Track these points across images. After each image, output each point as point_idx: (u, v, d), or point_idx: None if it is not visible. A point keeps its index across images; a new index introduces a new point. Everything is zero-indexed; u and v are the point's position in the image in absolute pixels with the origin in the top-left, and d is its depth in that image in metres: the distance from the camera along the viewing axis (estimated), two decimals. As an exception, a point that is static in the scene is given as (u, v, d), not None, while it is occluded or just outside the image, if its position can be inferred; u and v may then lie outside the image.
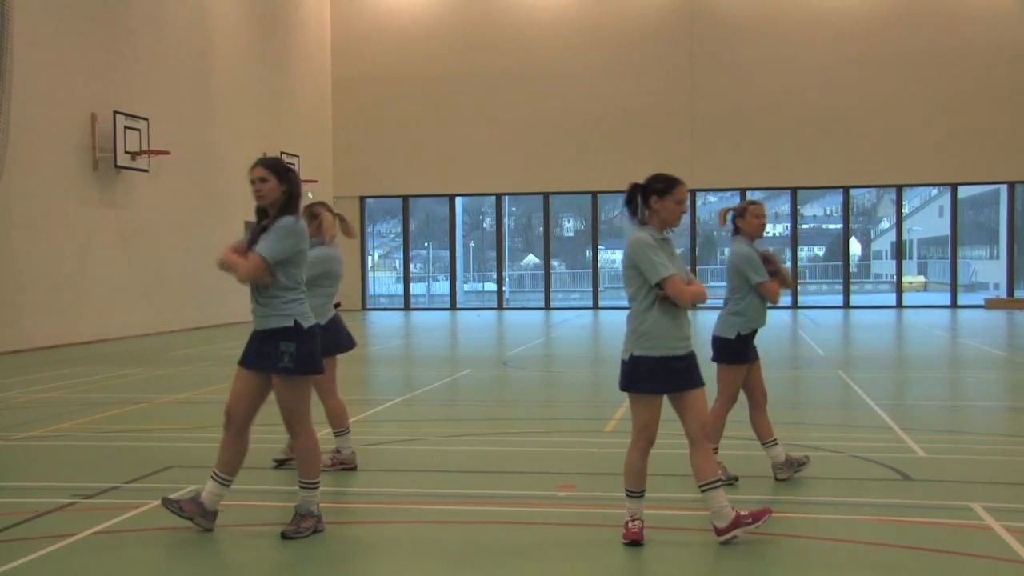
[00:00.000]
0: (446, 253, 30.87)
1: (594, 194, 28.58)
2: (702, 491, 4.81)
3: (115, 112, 18.03)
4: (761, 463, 6.29)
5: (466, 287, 36.10)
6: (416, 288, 33.64)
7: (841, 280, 29.67)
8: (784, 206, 34.03)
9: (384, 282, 37.69)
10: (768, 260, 6.04)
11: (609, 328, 20.92)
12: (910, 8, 26.88)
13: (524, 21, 28.09)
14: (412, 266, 32.00)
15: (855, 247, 43.28)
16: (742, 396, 6.33)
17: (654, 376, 4.74)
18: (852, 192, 30.06)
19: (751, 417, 6.16)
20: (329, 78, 28.68)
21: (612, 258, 36.39)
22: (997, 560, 4.54)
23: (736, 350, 5.97)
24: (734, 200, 22.60)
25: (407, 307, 30.01)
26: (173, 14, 20.95)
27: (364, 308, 29.60)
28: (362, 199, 29.05)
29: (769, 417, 6.18)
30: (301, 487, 5.04)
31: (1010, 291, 28.12)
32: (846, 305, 28.43)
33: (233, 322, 21.94)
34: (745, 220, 6.06)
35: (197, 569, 4.62)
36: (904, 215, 31.54)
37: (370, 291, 31.92)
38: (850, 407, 9.52)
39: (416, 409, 9.66)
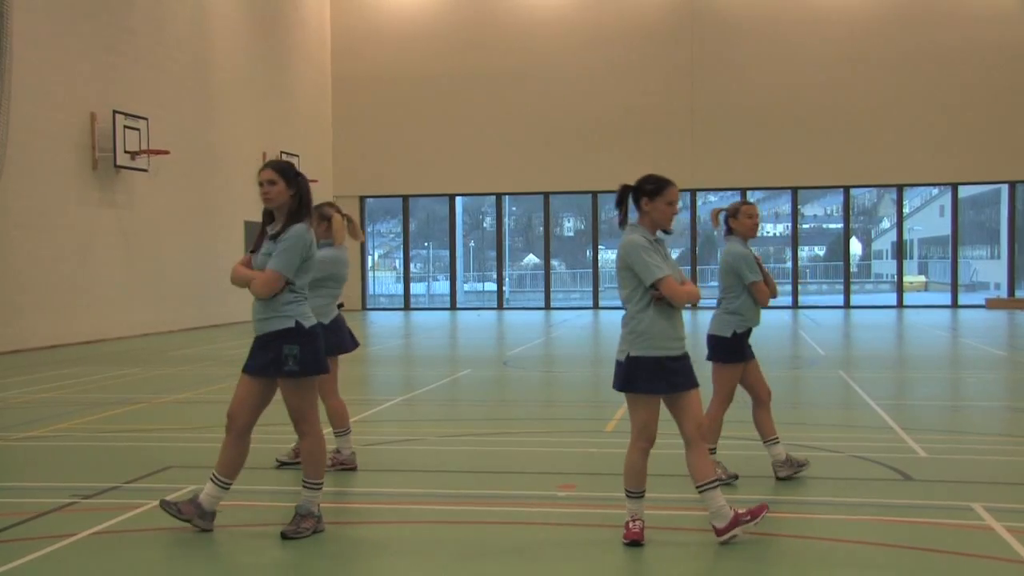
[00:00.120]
0: (446, 253, 30.87)
1: (594, 194, 28.58)
2: (699, 492, 4.80)
3: (115, 112, 18.02)
4: (761, 463, 6.28)
5: (466, 287, 36.10)
6: (416, 288, 33.64)
7: (842, 280, 29.67)
8: (784, 206, 34.04)
9: (384, 282, 37.70)
10: (757, 264, 6.07)
11: (609, 328, 20.91)
12: (911, 7, 26.87)
13: (524, 21, 28.09)
14: (412, 266, 32.00)
15: (856, 247, 43.29)
16: (740, 395, 6.33)
17: (651, 376, 4.74)
18: (853, 192, 30.07)
19: (754, 415, 6.16)
20: (329, 77, 28.67)
21: (612, 258, 36.31)
22: (998, 560, 4.53)
23: (732, 348, 5.97)
24: (735, 200, 22.79)
25: (407, 307, 30.01)
26: (173, 14, 20.94)
27: (364, 308, 29.60)
28: (362, 199, 29.05)
29: (772, 416, 6.18)
30: (304, 487, 5.04)
31: (1011, 291, 28.11)
32: (847, 305, 28.43)
33: (233, 322, 21.95)
34: (738, 221, 6.07)
35: (196, 569, 4.61)
36: (905, 215, 31.55)
37: (370, 291, 31.93)
38: (851, 407, 9.51)
39: (416, 409, 9.65)
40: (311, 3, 27.70)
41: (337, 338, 6.47)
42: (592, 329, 21.28)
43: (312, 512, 5.01)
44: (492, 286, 32.47)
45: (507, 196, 30.39)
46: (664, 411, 4.87)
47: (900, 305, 28.22)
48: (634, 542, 4.73)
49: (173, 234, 20.58)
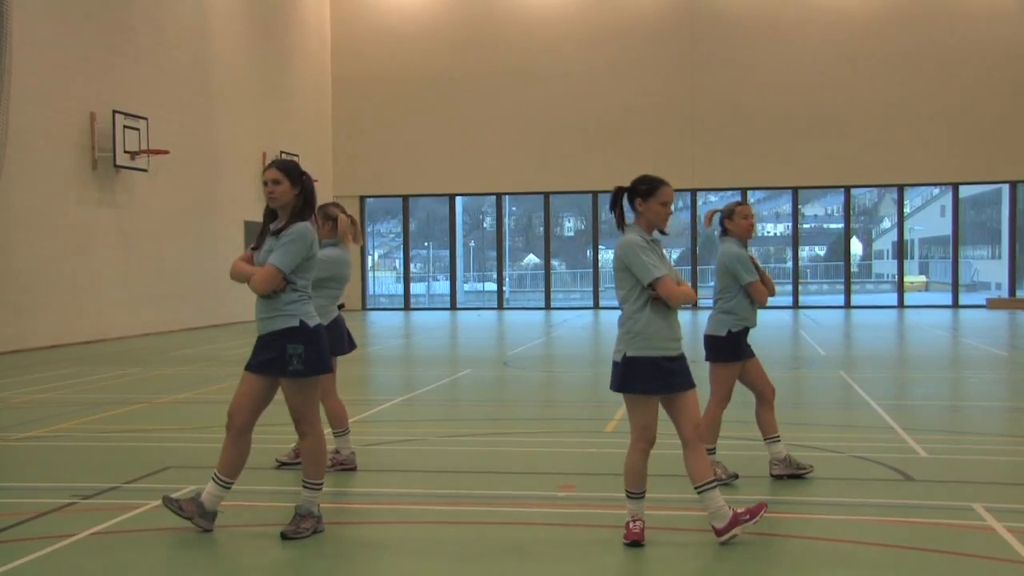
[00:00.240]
0: (446, 253, 30.87)
1: (594, 193, 28.57)
2: (698, 493, 4.80)
3: (114, 111, 18.02)
4: (761, 463, 6.27)
5: (466, 287, 36.10)
6: (416, 288, 33.63)
7: (842, 280, 29.65)
8: (785, 205, 34.04)
9: (384, 282, 37.70)
10: (753, 264, 6.07)
11: (610, 328, 20.90)
12: (911, 7, 26.86)
13: (524, 20, 28.08)
14: (412, 266, 31.99)
15: (856, 247, 43.28)
16: (740, 395, 6.33)
17: (648, 376, 4.74)
18: (853, 192, 30.06)
19: (757, 413, 6.17)
20: (329, 77, 28.67)
21: (612, 258, 36.34)
22: (998, 560, 4.52)
23: (728, 348, 5.98)
24: (735, 200, 22.74)
25: (407, 307, 30.00)
26: (172, 13, 20.94)
27: (364, 308, 29.60)
28: (362, 199, 29.04)
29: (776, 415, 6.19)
30: (305, 487, 5.03)
31: (1012, 291, 28.10)
32: (847, 305, 28.42)
33: (233, 322, 21.95)
34: (733, 222, 6.08)
35: (196, 569, 4.60)
36: (905, 215, 31.54)
37: (370, 291, 31.92)
38: (851, 407, 9.50)
39: (416, 409, 9.64)
40: (311, 3, 27.69)
41: (335, 339, 6.46)
42: (592, 329, 21.27)
43: (312, 512, 5.00)
44: (492, 286, 32.46)
45: (507, 196, 30.39)
46: (663, 411, 4.87)
47: (901, 305, 28.21)
48: (634, 542, 4.72)
49: (173, 234, 20.57)
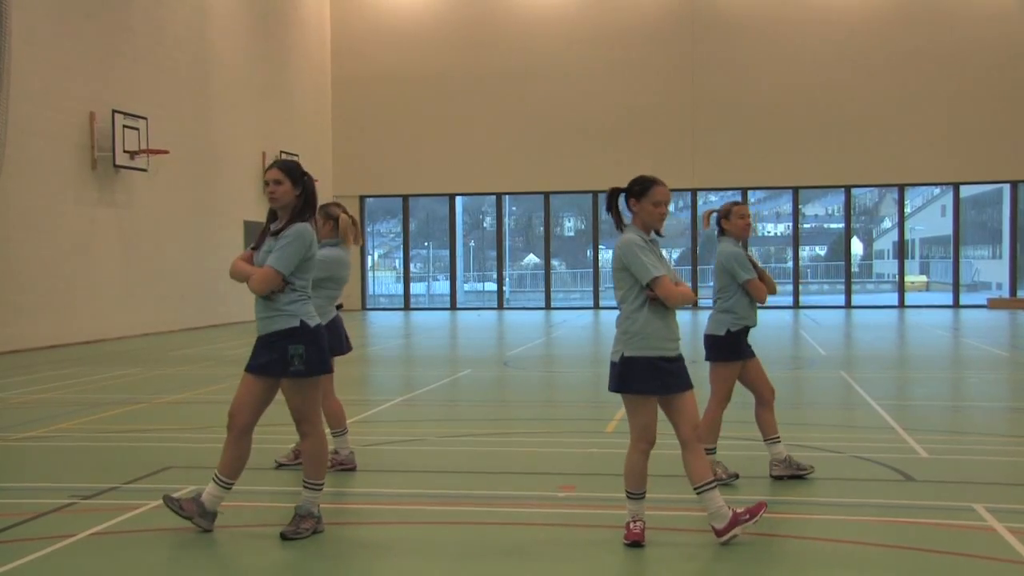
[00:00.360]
0: (446, 253, 30.86)
1: (595, 193, 28.56)
2: (698, 493, 4.80)
3: (114, 111, 18.01)
4: (762, 463, 6.27)
5: (466, 287, 36.09)
6: (416, 288, 33.62)
7: (843, 280, 29.62)
8: (785, 205, 34.03)
9: (384, 282, 37.68)
10: (751, 263, 6.07)
11: (610, 328, 20.81)
12: (912, 7, 26.84)
13: (525, 20, 28.07)
14: (412, 266, 31.98)
15: (857, 247, 43.28)
16: (740, 395, 6.32)
17: (646, 376, 4.73)
18: (854, 191, 30.04)
19: (756, 413, 6.16)
20: (329, 77, 28.66)
21: (612, 257, 36.32)
22: (999, 561, 4.51)
23: (727, 347, 5.97)
24: (735, 200, 22.74)
25: (407, 307, 29.99)
26: (172, 13, 20.93)
27: (364, 308, 29.59)
28: (362, 198, 29.03)
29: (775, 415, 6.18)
30: (305, 487, 5.03)
31: (1012, 291, 28.08)
32: (848, 305, 28.40)
33: (233, 322, 21.94)
34: (730, 222, 6.09)
35: (196, 570, 4.60)
36: (906, 214, 31.54)
37: (370, 291, 31.91)
38: (852, 407, 9.49)
39: (416, 409, 9.64)
40: (311, 2, 27.68)
41: (333, 339, 6.45)
42: (592, 329, 21.26)
43: (312, 513, 5.00)
44: (492, 286, 32.45)
45: (507, 196, 30.37)
46: (661, 412, 4.86)
47: (901, 305, 28.19)
48: (635, 543, 4.72)
49: (173, 234, 20.57)
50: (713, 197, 29.06)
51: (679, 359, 4.84)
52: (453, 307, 29.82)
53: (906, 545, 4.79)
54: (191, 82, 21.55)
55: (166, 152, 19.41)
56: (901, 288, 28.89)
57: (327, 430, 6.49)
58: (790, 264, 30.12)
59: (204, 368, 13.32)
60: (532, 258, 40.75)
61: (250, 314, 5.18)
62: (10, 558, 4.63)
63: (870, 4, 27.02)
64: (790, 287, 28.34)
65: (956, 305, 27.81)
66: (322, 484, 5.05)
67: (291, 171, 5.09)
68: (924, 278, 41.60)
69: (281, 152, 24.20)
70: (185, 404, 9.91)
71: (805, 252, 42.51)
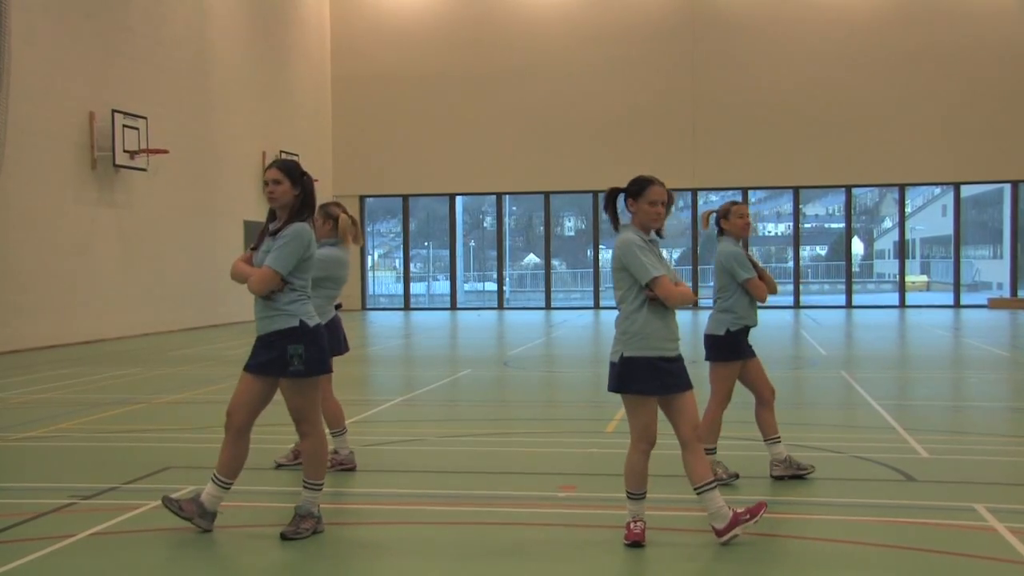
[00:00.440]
0: (446, 252, 30.85)
1: (595, 193, 28.55)
2: (698, 494, 4.79)
3: (113, 111, 18.00)
4: (762, 463, 6.26)
5: (466, 287, 36.08)
6: (416, 288, 33.62)
7: (843, 280, 29.61)
8: (786, 205, 34.02)
9: (384, 282, 37.68)
10: (751, 263, 6.06)
11: (610, 328, 20.79)
12: (913, 6, 26.83)
13: (525, 19, 28.06)
14: (412, 266, 31.97)
15: (857, 246, 43.27)
16: (740, 395, 6.31)
17: (645, 377, 4.72)
18: (855, 191, 30.03)
19: (757, 413, 6.16)
20: (329, 76, 28.65)
21: (611, 257, 36.30)
22: (1000, 561, 4.50)
23: (726, 347, 5.97)
24: (735, 199, 22.78)
25: (407, 307, 29.98)
26: (172, 12, 20.92)
27: (364, 308, 29.58)
28: (362, 198, 29.02)
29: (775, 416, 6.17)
30: (305, 487, 5.02)
31: (1013, 291, 28.06)
32: (848, 305, 28.39)
33: (232, 322, 21.93)
34: (729, 221, 6.10)
35: (196, 570, 4.59)
36: (907, 214, 31.52)
37: (370, 291, 31.90)
38: (852, 407, 9.48)
39: (416, 409, 9.63)
40: (311, 2, 27.67)
41: (333, 339, 6.45)
42: (593, 329, 21.25)
43: (312, 513, 4.99)
44: (492, 286, 32.44)
45: (507, 195, 30.35)
46: (661, 411, 4.85)
47: (902, 305, 28.18)
48: (635, 543, 4.71)
49: (172, 234, 20.56)
50: (714, 197, 29.05)
51: (679, 359, 4.83)
52: (453, 307, 29.81)
53: (906, 545, 4.78)
54: (191, 82, 21.54)
55: (166, 152, 19.40)
56: (902, 288, 28.89)
57: (326, 430, 6.50)
58: (791, 264, 30.11)
59: (204, 368, 13.31)
60: (532, 258, 40.75)
61: (250, 314, 5.17)
62: (10, 558, 4.62)
63: (871, 3, 27.00)
64: (791, 287, 28.33)
65: (957, 305, 27.80)
66: (322, 484, 5.05)
67: (290, 171, 5.09)
68: (925, 278, 41.59)
69: (281, 152, 24.19)
70: (185, 404, 9.90)
71: (806, 252, 42.51)
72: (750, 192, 28.52)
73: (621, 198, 4.92)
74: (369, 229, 34.08)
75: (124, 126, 18.25)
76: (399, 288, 32.18)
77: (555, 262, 37.59)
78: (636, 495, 4.78)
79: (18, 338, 15.95)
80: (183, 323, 20.74)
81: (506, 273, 31.41)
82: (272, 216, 5.13)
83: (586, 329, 21.16)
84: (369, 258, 32.77)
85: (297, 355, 4.91)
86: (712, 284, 6.26)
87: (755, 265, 6.10)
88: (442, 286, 34.78)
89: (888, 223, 45.16)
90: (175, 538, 4.97)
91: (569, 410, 9.69)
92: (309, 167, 5.73)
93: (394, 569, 4.61)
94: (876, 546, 4.81)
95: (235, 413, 5.04)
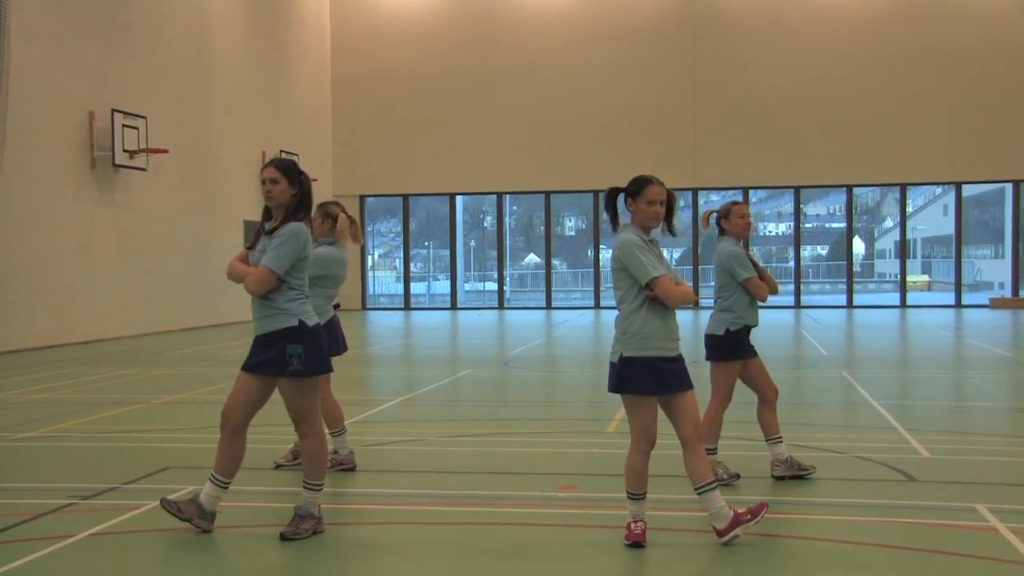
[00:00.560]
0: (446, 252, 30.83)
1: (596, 193, 28.53)
2: (698, 494, 4.78)
3: (113, 110, 17.99)
4: (763, 463, 6.24)
5: (467, 286, 36.06)
6: (416, 288, 33.59)
7: (844, 279, 29.58)
8: (787, 205, 33.99)
9: (384, 281, 37.66)
10: (752, 263, 6.06)
11: (611, 328, 20.81)
12: (915, 6, 26.81)
13: (525, 18, 28.05)
14: (412, 265, 31.95)
15: (859, 246, 43.23)
16: (741, 395, 6.30)
17: (645, 377, 4.71)
18: (856, 191, 30.00)
19: (759, 413, 6.15)
20: (329, 75, 28.64)
21: (611, 257, 36.26)
22: (1001, 562, 4.49)
23: (726, 346, 5.96)
24: (736, 199, 22.72)
25: (407, 307, 29.97)
26: (171, 11, 20.91)
27: (364, 308, 29.57)
28: (362, 198, 29.01)
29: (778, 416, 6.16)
30: (305, 488, 5.01)
31: (1015, 291, 28.04)
32: (849, 305, 28.37)
33: (232, 322, 21.92)
34: (730, 221, 6.10)
35: (195, 571, 4.58)
36: (908, 214, 31.48)
37: (370, 291, 31.89)
38: (853, 407, 9.47)
39: (416, 409, 9.62)
40: (311, 1, 27.66)
41: (332, 338, 6.44)
42: (593, 329, 21.24)
43: (312, 513, 4.98)
44: (493, 286, 32.43)
45: (508, 195, 30.33)
46: (662, 412, 4.84)
47: (903, 305, 28.16)
48: (636, 544, 4.70)
49: (172, 233, 20.55)
50: (714, 196, 29.03)
51: (679, 359, 4.82)
52: (454, 307, 29.80)
53: (908, 546, 4.77)
54: (191, 81, 21.53)
55: (165, 151, 19.39)
56: (903, 288, 28.86)
57: (325, 431, 6.48)
58: (791, 264, 30.09)
59: (203, 368, 13.30)
60: (533, 258, 40.72)
61: (250, 314, 5.15)
62: (10, 558, 4.61)
63: (872, 3, 26.98)
64: (791, 287, 28.30)
65: (958, 305, 27.78)
66: (322, 484, 5.03)
67: (288, 170, 5.07)
68: (926, 278, 41.55)
69: (281, 151, 24.18)
70: (184, 404, 9.89)
71: (807, 252, 42.48)
72: (751, 192, 28.49)
73: (621, 198, 4.91)
74: (369, 229, 34.06)
75: (124, 126, 18.24)
76: (399, 288, 32.17)
77: (555, 262, 37.57)
78: (636, 495, 4.77)
79: (17, 338, 15.94)
80: (183, 323, 20.73)
81: (506, 273, 31.40)
82: (268, 215, 5.12)
83: (587, 329, 21.15)
84: (369, 258, 32.76)
85: (296, 355, 4.90)
86: (712, 284, 6.26)
87: (755, 265, 6.09)
88: (442, 286, 34.75)
89: (889, 223, 45.13)
90: (175, 538, 4.96)
91: (569, 410, 9.68)
92: (309, 167, 5.73)
93: (394, 570, 4.60)
94: (877, 546, 4.79)
95: (232, 413, 5.02)
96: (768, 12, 27.22)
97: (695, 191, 27.91)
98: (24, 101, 15.82)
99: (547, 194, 29.05)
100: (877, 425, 8.24)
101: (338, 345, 6.60)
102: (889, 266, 41.77)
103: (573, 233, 45.34)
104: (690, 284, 5.01)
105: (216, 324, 21.78)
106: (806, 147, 27.06)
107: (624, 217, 4.92)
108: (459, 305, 30.12)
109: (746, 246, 6.22)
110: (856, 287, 30.21)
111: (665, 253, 4.98)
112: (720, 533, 4.73)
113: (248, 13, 24.24)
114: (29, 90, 16.05)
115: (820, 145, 26.99)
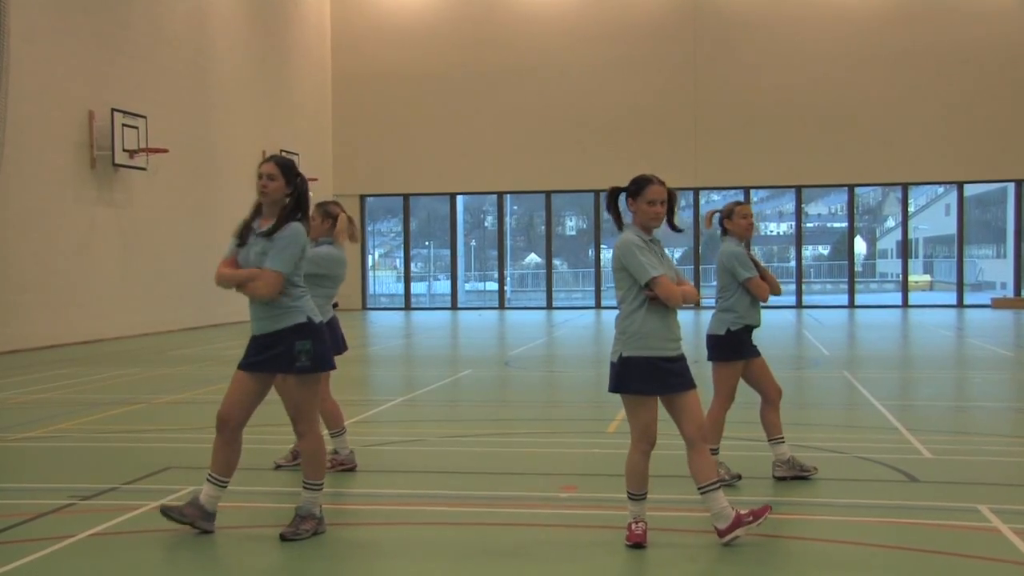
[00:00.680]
0: (447, 252, 30.82)
1: (596, 192, 28.52)
2: (701, 493, 4.76)
3: (113, 110, 17.98)
4: (764, 464, 6.23)
5: (467, 286, 36.05)
6: (417, 287, 33.57)
7: (846, 279, 29.55)
8: (788, 204, 33.96)
9: (385, 281, 37.65)
10: (754, 263, 6.04)
11: (611, 328, 20.81)
12: (916, 5, 26.79)
13: (526, 17, 28.04)
14: (413, 265, 31.94)
15: (860, 246, 43.17)
16: (743, 396, 6.28)
17: (645, 377, 4.70)
18: (857, 190, 29.96)
19: (761, 412, 6.15)
20: (329, 75, 28.62)
21: (611, 257, 36.23)
22: (1003, 562, 4.48)
23: (727, 346, 5.95)
24: (737, 199, 22.66)
25: (408, 307, 29.96)
26: (171, 10, 20.90)
27: (364, 308, 29.56)
28: (362, 197, 29.00)
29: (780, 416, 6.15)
30: (305, 488, 4.99)
31: (1017, 290, 28.00)
32: (851, 304, 28.34)
33: (232, 322, 21.91)
34: (733, 222, 6.09)
35: (195, 571, 4.57)
36: (910, 213, 31.45)
37: (370, 290, 31.88)
38: (855, 407, 9.46)
39: (417, 409, 9.60)
40: (311, 0, 27.65)
41: (331, 338, 6.42)
42: (594, 329, 21.22)
43: (313, 514, 4.97)
44: (493, 285, 32.42)
45: (508, 195, 30.32)
46: (663, 411, 4.83)
47: (905, 305, 28.13)
48: (636, 544, 4.69)
49: (172, 233, 20.53)
50: (716, 196, 29.02)
51: (680, 359, 4.80)
52: (454, 307, 29.79)
53: (909, 546, 4.75)
54: (190, 80, 21.52)
55: (165, 151, 19.38)
56: (905, 288, 28.84)
57: (326, 431, 6.47)
58: (793, 264, 30.07)
59: (203, 368, 13.29)
60: (533, 257, 40.69)
61: (249, 314, 5.13)
62: (10, 558, 4.60)
63: (874, 2, 26.96)
64: (793, 287, 28.28)
65: (960, 305, 27.75)
66: (322, 484, 5.02)
67: (286, 169, 5.06)
68: (928, 277, 41.52)
69: (281, 151, 24.16)
70: (184, 404, 9.88)
71: (808, 251, 42.42)
72: (752, 191, 28.47)
73: (622, 197, 4.89)
74: (369, 229, 34.05)
75: (124, 125, 18.24)
76: (400, 288, 32.15)
77: (556, 262, 37.54)
78: (637, 496, 4.75)
79: (17, 338, 15.93)
80: (182, 323, 20.73)
81: (507, 273, 31.38)
82: (258, 211, 5.09)
83: (587, 329, 21.13)
84: (370, 258, 32.75)
85: (305, 351, 4.90)
86: (713, 284, 6.25)
87: (757, 265, 6.08)
88: (443, 286, 34.74)
89: (891, 222, 45.09)
90: (174, 539, 4.95)
91: (570, 410, 9.66)
92: (309, 166, 5.72)
93: (394, 570, 4.59)
94: (879, 547, 4.78)
95: (229, 416, 5.00)
96: (769, 11, 27.20)
97: (696, 191, 27.90)
98: (24, 101, 15.81)
99: (548, 194, 29.04)
100: (879, 425, 8.22)
101: (337, 345, 6.59)
102: (891, 266, 41.74)
103: (574, 233, 45.32)
104: (692, 284, 4.98)
105: (216, 324, 21.77)
106: (807, 146, 27.04)
107: (627, 217, 4.91)
108: (460, 305, 30.11)
109: (747, 246, 6.21)
110: (858, 287, 30.17)
111: (667, 252, 4.97)
112: (721, 533, 4.71)
113: (248, 12, 24.23)
114: (29, 90, 16.04)
115: (822, 144, 26.96)
